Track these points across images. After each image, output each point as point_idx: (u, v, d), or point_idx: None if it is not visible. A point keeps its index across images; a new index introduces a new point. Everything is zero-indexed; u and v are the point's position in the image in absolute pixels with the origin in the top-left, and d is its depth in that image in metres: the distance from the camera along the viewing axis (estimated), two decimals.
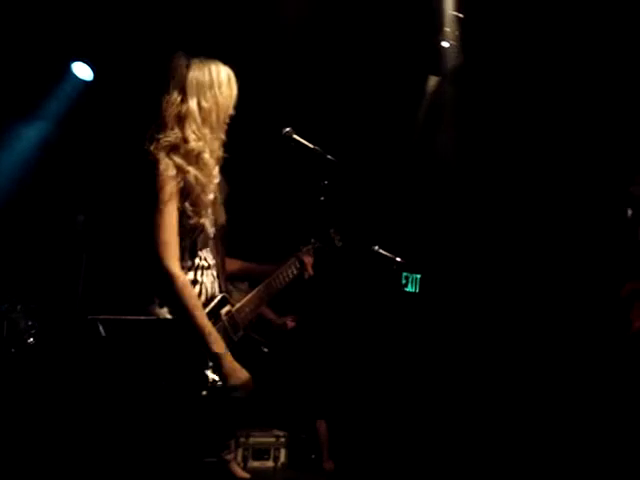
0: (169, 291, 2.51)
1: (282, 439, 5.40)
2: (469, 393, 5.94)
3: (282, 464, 5.37)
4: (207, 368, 2.52)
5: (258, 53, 5.31)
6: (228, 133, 2.79)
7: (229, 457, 5.03)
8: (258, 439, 5.33)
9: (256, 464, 5.30)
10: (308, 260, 3.05)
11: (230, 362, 2.55)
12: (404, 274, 6.20)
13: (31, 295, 4.69)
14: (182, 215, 2.57)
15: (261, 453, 5.33)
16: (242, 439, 5.24)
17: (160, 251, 2.49)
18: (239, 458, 5.20)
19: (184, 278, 2.54)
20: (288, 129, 2.97)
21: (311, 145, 2.96)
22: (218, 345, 2.52)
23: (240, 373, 2.57)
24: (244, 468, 5.13)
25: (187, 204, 2.57)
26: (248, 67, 5.36)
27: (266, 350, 2.78)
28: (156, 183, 2.51)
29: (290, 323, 5.47)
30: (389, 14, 5.34)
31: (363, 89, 5.89)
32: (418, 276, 6.33)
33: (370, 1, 5.26)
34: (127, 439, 2.54)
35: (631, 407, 3.70)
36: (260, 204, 6.02)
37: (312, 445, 5.70)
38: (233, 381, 2.53)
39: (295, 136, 2.96)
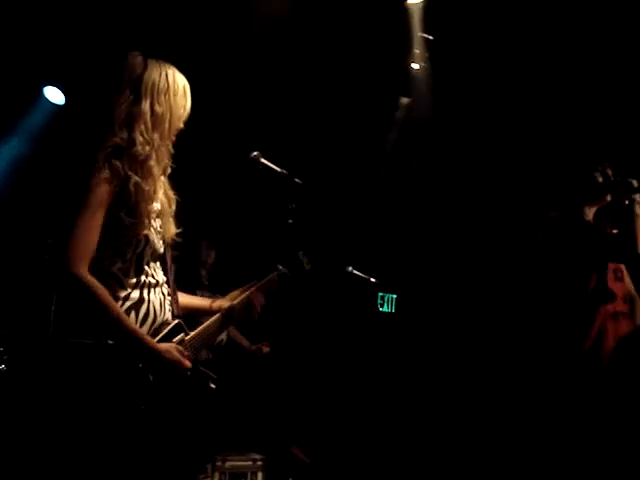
0: (75, 296, 2.32)
1: (259, 462, 5.34)
2: (446, 413, 5.94)
3: None
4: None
5: (227, 76, 5.35)
6: (196, 157, 2.74)
7: None
8: (235, 463, 5.26)
9: None
10: (257, 300, 2.85)
11: (164, 352, 2.39)
12: (380, 294, 6.24)
13: (1, 321, 4.63)
14: (119, 225, 2.40)
15: (238, 477, 5.25)
16: (219, 463, 5.18)
17: (66, 251, 2.29)
18: None
19: (92, 280, 2.31)
20: (255, 153, 2.94)
21: (278, 169, 2.95)
22: (146, 340, 2.37)
23: (176, 363, 2.41)
24: None
25: (123, 213, 2.39)
26: (216, 89, 5.44)
27: (213, 386, 2.64)
28: (86, 187, 2.34)
29: (265, 349, 5.46)
30: (359, 36, 5.39)
31: (333, 111, 5.93)
32: (394, 296, 6.37)
33: (340, 23, 5.31)
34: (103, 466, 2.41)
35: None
36: (227, 228, 6.01)
37: (290, 469, 5.66)
38: (169, 368, 2.39)
39: (262, 160, 2.94)
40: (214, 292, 4.76)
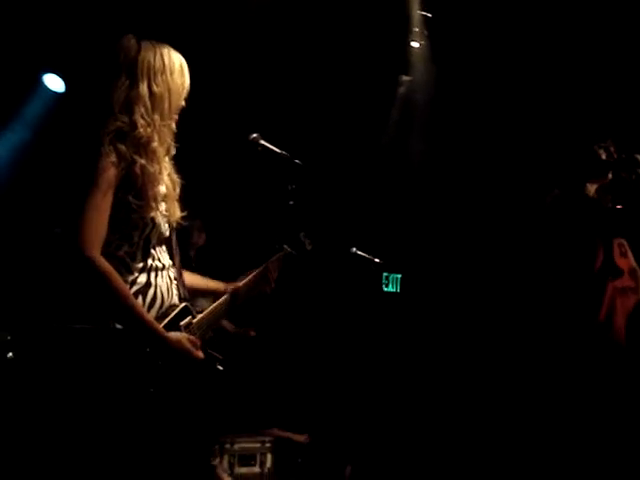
0: (89, 280, 2.32)
1: (268, 444, 5.37)
2: (453, 395, 5.95)
3: (269, 469, 5.34)
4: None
5: (228, 58, 5.32)
6: (196, 139, 2.73)
7: (215, 462, 5.04)
8: (243, 445, 5.29)
9: (243, 470, 5.25)
10: (271, 275, 2.89)
11: (175, 342, 2.39)
12: (384, 274, 6.24)
13: (8, 309, 4.66)
14: (127, 208, 2.40)
15: (247, 459, 5.28)
16: (227, 445, 5.21)
17: (78, 233, 2.29)
18: (225, 465, 5.18)
19: (107, 265, 2.32)
20: (255, 135, 2.93)
21: (278, 150, 2.95)
22: (158, 329, 2.37)
23: (187, 353, 2.41)
24: (231, 474, 5.12)
25: (131, 196, 2.39)
26: (216, 71, 5.43)
27: (221, 368, 2.65)
28: (94, 170, 2.33)
29: (252, 332, 5.43)
30: (358, 16, 5.36)
31: (333, 91, 5.90)
32: (399, 276, 6.37)
33: (339, 3, 5.28)
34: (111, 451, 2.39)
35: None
36: (228, 211, 6.00)
37: (299, 450, 5.68)
38: (180, 358, 2.40)
39: (262, 141, 2.93)
40: (202, 274, 4.75)
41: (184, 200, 2.68)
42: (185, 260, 5.10)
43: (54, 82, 5.53)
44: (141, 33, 2.60)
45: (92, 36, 5.14)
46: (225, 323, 5.37)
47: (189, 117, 2.71)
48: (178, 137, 2.65)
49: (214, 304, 2.74)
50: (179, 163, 2.71)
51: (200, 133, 5.30)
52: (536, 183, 5.57)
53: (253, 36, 5.25)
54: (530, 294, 5.57)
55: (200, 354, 2.47)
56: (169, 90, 2.53)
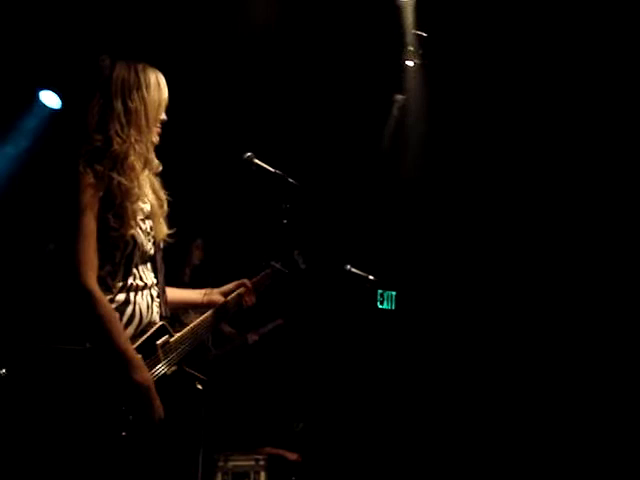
0: (83, 308, 2.32)
1: (261, 462, 5.34)
2: (448, 412, 5.94)
3: None
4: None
5: (221, 77, 5.35)
6: (191, 158, 2.73)
7: None
8: (237, 462, 5.28)
9: None
10: (248, 298, 2.87)
11: (151, 397, 2.36)
12: (379, 291, 6.23)
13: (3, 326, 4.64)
14: (107, 226, 2.40)
15: (241, 477, 5.26)
16: (221, 463, 5.19)
17: (74, 264, 2.30)
18: None
19: (101, 295, 2.34)
20: (249, 154, 2.95)
21: (272, 169, 2.96)
22: (140, 374, 2.34)
23: (157, 410, 2.37)
24: None
25: (110, 215, 2.40)
26: (211, 90, 5.45)
27: (200, 387, 2.63)
28: (73, 192, 2.34)
29: (253, 337, 5.44)
30: (352, 34, 5.39)
31: (327, 110, 5.93)
32: (393, 293, 6.35)
33: (333, 21, 5.31)
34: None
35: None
36: (223, 230, 6.01)
37: (292, 468, 5.66)
38: (146, 416, 2.35)
39: (256, 160, 2.94)
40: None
41: (180, 219, 2.68)
42: (179, 277, 5.14)
43: (50, 99, 5.55)
44: (136, 51, 2.62)
45: (89, 54, 5.16)
46: (224, 327, 5.36)
47: (184, 136, 2.71)
48: (175, 156, 2.65)
49: (196, 321, 2.73)
50: (174, 182, 2.71)
51: (195, 152, 5.33)
52: (528, 198, 5.61)
53: (248, 54, 5.28)
54: (525, 311, 5.60)
55: (159, 415, 2.39)
56: (145, 104, 2.54)
